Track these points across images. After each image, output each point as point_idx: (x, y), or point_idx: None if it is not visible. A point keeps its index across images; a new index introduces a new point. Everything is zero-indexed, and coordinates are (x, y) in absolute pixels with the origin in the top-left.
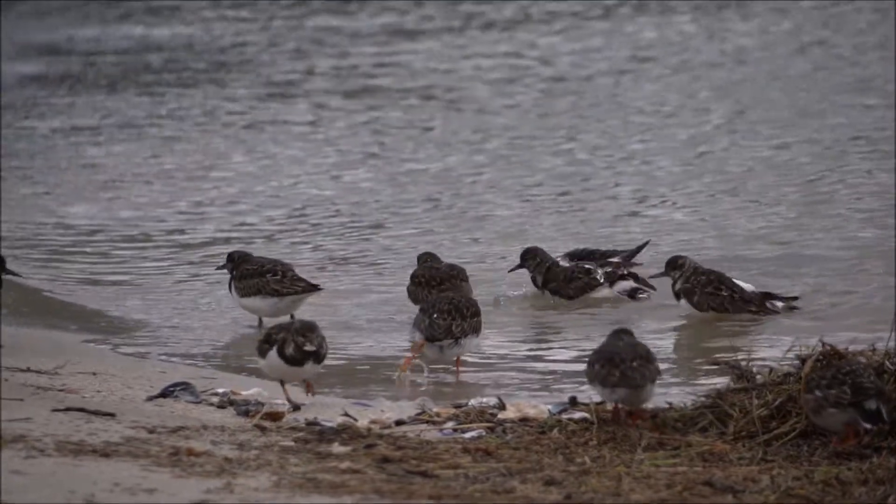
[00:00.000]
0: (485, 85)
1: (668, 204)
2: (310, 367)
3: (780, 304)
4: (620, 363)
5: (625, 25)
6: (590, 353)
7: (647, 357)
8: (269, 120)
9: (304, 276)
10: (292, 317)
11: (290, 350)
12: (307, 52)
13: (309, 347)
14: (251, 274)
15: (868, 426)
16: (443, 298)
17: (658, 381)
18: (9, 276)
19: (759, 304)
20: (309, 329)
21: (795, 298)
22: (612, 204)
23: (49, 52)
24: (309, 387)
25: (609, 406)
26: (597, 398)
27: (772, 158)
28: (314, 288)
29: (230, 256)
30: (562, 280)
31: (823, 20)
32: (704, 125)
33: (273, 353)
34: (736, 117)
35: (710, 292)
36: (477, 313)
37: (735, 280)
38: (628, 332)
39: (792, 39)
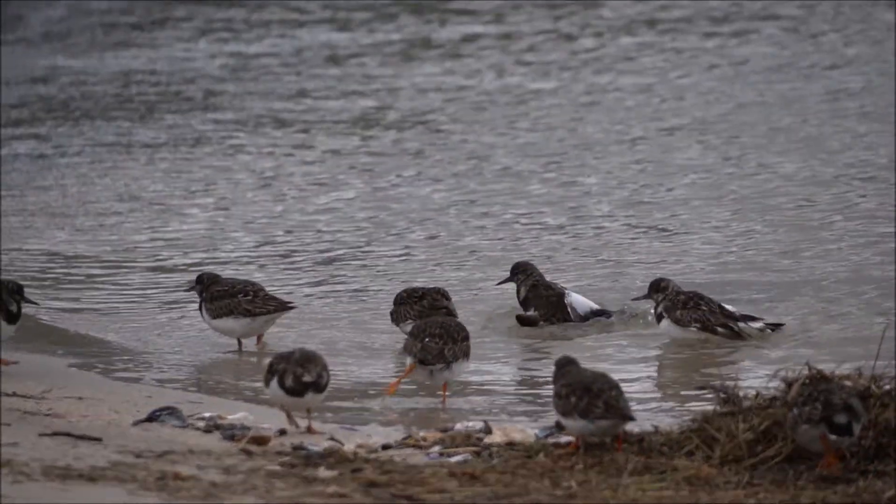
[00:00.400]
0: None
1: (661, 230)
2: (310, 398)
3: (758, 325)
4: (601, 393)
5: (617, 50)
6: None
7: (618, 386)
8: (248, 146)
9: (276, 294)
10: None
11: (289, 381)
12: (294, 75)
13: (307, 378)
14: (222, 295)
15: (835, 437)
16: (433, 322)
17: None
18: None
19: (740, 321)
20: (308, 360)
21: (780, 325)
22: (604, 230)
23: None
24: (308, 414)
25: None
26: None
27: (765, 184)
28: (287, 307)
29: (199, 278)
30: (543, 300)
31: (828, 46)
32: (701, 149)
33: (274, 383)
34: (731, 142)
35: (690, 307)
36: (467, 337)
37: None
38: (574, 361)
39: (793, 63)
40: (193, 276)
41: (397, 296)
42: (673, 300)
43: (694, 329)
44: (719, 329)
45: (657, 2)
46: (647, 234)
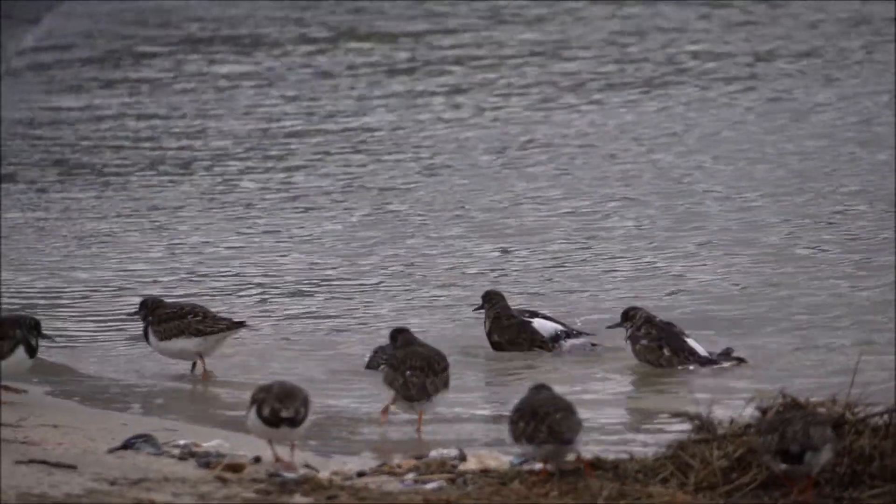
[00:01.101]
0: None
1: (646, 261)
2: (285, 431)
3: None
4: (546, 417)
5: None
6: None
7: (570, 409)
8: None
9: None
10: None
11: (266, 412)
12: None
13: (285, 413)
14: (171, 317)
15: (785, 466)
16: (413, 353)
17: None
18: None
19: (702, 361)
20: (287, 395)
21: (742, 360)
22: (590, 259)
23: None
24: (291, 448)
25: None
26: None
27: (745, 215)
28: (238, 325)
29: (143, 303)
30: (505, 329)
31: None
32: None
33: (252, 413)
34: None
35: (653, 338)
36: (446, 367)
37: (687, 339)
38: (547, 387)
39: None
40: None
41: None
42: (638, 329)
43: (648, 364)
44: (664, 362)
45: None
46: (627, 262)
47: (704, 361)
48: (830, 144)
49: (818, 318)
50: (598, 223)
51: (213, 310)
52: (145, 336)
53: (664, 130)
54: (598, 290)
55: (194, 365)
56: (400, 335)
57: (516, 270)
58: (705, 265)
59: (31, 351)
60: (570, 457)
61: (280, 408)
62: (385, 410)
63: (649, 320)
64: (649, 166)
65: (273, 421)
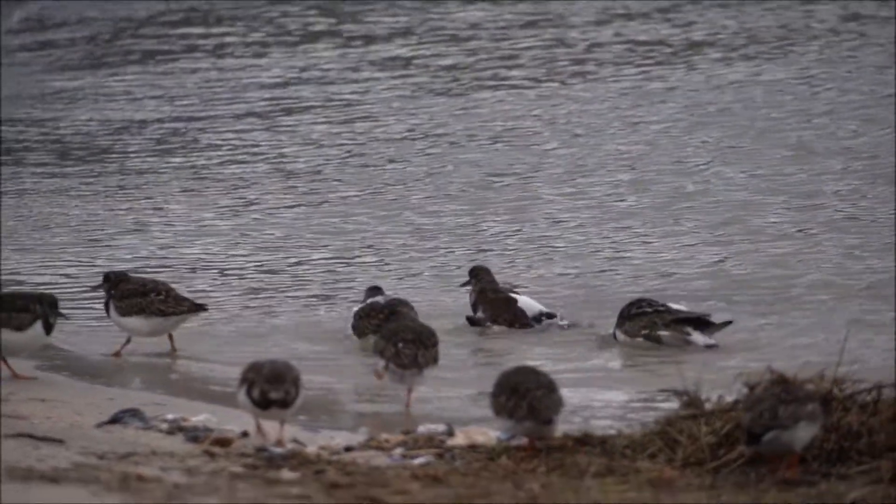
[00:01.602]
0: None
1: (638, 239)
2: (276, 412)
3: (709, 340)
4: (527, 394)
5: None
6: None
7: (551, 386)
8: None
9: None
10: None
11: (255, 394)
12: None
13: (274, 396)
14: (133, 293)
15: (744, 446)
16: (405, 327)
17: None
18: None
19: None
20: (277, 376)
21: (728, 323)
22: (582, 240)
23: None
24: (281, 424)
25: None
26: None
27: (751, 196)
28: (199, 308)
29: (106, 277)
30: (489, 303)
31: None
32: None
33: (242, 393)
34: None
35: (635, 315)
36: (436, 343)
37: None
38: (529, 367)
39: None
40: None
41: (359, 311)
42: (620, 313)
43: (640, 339)
44: (663, 334)
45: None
46: (620, 240)
47: (697, 323)
48: (832, 121)
49: (809, 296)
50: (595, 200)
51: (175, 288)
52: (106, 309)
53: (667, 107)
54: (585, 270)
55: (128, 339)
56: (401, 306)
57: (512, 249)
58: (698, 243)
59: (48, 327)
60: (552, 433)
61: (269, 389)
62: (378, 370)
63: (630, 303)
64: (649, 143)
65: (263, 403)
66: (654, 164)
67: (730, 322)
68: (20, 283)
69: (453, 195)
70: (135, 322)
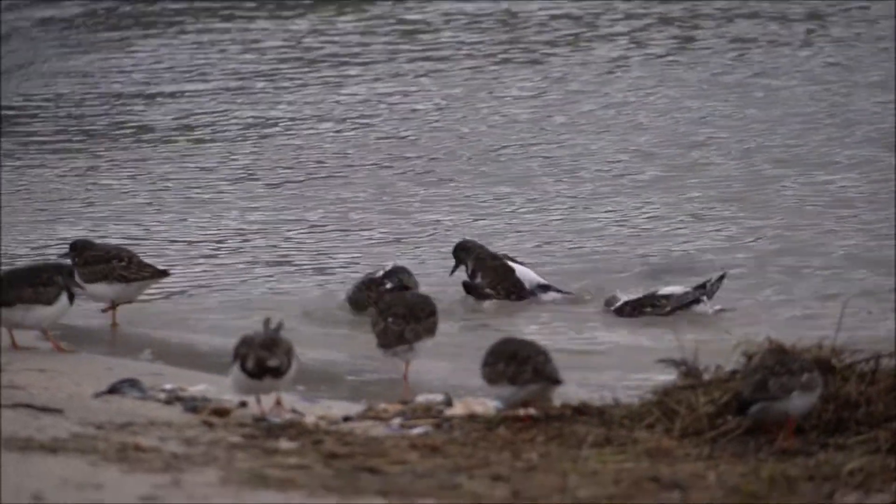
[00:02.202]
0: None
1: (635, 209)
2: (269, 382)
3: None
4: (528, 359)
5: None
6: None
7: (547, 354)
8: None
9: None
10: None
11: (250, 364)
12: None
13: (272, 363)
14: (97, 260)
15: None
16: (399, 300)
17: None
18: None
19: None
20: (272, 343)
21: (722, 276)
22: (580, 208)
23: None
24: (278, 401)
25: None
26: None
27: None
28: (162, 273)
29: (73, 245)
30: (489, 269)
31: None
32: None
33: (236, 368)
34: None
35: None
36: (433, 313)
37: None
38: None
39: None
40: (146, 251)
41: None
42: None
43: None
44: (648, 309)
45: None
46: (621, 215)
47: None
48: (826, 89)
49: (809, 267)
50: (595, 171)
51: (139, 256)
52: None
53: (670, 77)
54: (584, 240)
55: (112, 308)
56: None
57: (514, 219)
58: (695, 213)
59: (72, 298)
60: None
61: (267, 356)
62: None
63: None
64: (652, 113)
65: (257, 372)
66: (660, 136)
67: (723, 275)
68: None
69: (453, 168)
70: (98, 288)
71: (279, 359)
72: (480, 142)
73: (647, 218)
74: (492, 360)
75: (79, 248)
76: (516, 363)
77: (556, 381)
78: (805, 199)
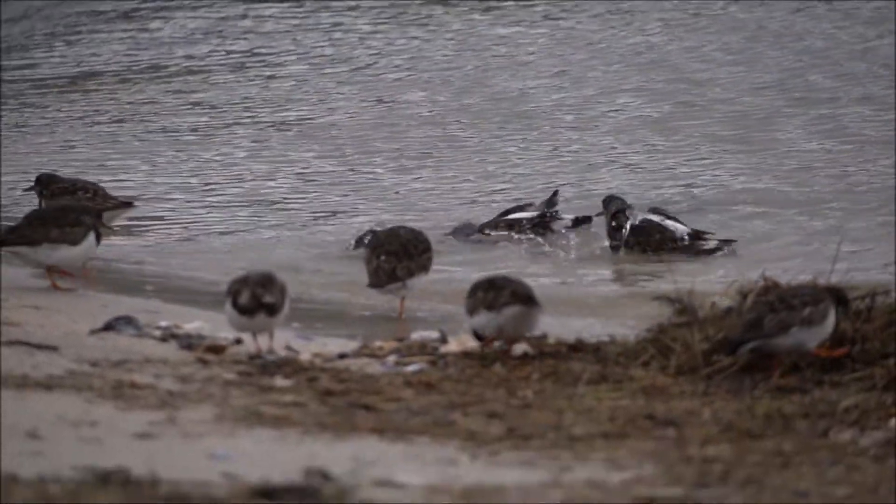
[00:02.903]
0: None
1: (640, 151)
2: (262, 320)
3: (711, 243)
4: (507, 284)
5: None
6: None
7: (526, 284)
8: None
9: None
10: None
11: (243, 299)
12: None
13: (267, 299)
14: (63, 192)
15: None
16: (392, 236)
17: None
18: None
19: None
20: (267, 281)
21: (731, 241)
22: (585, 148)
23: None
24: (270, 335)
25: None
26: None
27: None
28: (126, 204)
29: (38, 179)
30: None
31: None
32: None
33: (228, 304)
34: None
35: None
36: (426, 249)
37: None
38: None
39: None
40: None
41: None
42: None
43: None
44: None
45: None
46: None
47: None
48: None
49: (806, 208)
50: (596, 111)
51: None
52: None
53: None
54: (588, 179)
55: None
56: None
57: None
58: (696, 155)
59: (99, 238)
60: (533, 325)
61: (263, 293)
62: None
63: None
64: (657, 56)
65: (250, 308)
66: (664, 76)
67: (733, 241)
68: None
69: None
70: None
71: (273, 296)
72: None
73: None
74: (472, 291)
75: (44, 182)
76: (494, 290)
77: (533, 303)
78: (816, 141)
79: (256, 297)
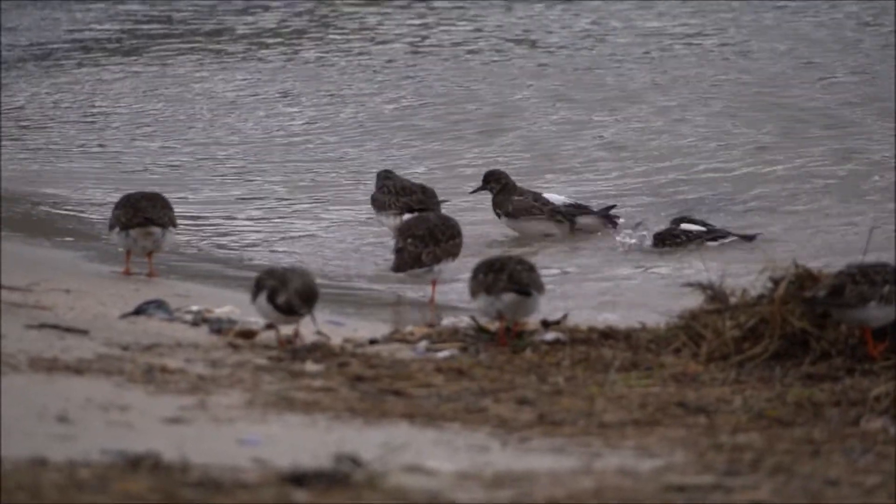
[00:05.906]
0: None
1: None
2: (295, 318)
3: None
4: (505, 267)
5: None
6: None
7: (533, 268)
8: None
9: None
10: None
11: (281, 301)
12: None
13: (303, 311)
14: None
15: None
16: (421, 221)
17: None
18: None
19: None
20: (307, 294)
21: (753, 237)
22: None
23: None
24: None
25: (493, 323)
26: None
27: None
28: None
29: None
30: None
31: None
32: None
33: (263, 298)
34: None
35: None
36: (454, 235)
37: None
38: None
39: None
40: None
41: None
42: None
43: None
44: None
45: None
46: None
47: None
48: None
49: (834, 194)
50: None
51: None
52: None
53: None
54: (593, 166)
55: None
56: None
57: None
58: (713, 138)
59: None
60: (531, 311)
61: (300, 305)
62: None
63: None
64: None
65: (287, 310)
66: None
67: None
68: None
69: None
70: None
71: (311, 299)
72: None
73: None
74: (474, 273)
75: None
76: (494, 273)
77: (525, 292)
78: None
79: (293, 307)
